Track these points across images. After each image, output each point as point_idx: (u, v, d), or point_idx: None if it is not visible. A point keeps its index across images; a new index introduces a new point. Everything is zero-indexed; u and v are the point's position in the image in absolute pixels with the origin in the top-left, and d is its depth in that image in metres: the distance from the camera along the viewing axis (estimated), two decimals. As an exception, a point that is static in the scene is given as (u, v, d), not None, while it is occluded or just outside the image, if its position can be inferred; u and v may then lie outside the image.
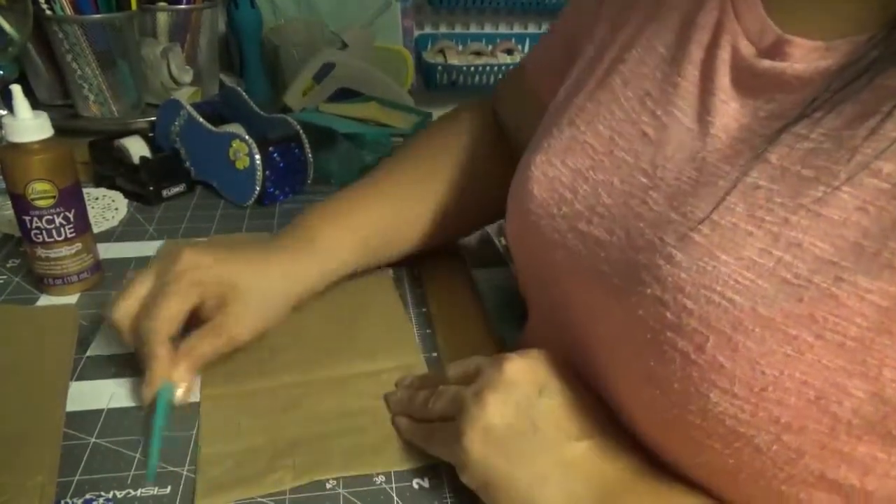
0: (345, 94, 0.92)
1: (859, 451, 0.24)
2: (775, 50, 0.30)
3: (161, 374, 0.39)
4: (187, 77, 0.91)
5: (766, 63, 0.30)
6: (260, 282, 0.44)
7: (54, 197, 0.49)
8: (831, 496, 0.26)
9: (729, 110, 0.31)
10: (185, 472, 0.36)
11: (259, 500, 0.35)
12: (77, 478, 0.36)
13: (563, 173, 0.37)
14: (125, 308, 0.41)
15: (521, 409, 0.33)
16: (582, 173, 0.36)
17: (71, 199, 0.50)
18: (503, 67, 1.17)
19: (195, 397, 0.42)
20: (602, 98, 0.37)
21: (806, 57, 0.29)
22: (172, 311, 0.40)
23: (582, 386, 0.36)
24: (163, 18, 0.90)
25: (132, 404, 0.41)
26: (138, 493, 0.35)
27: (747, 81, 0.31)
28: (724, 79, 0.32)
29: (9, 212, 0.56)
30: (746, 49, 0.31)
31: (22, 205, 0.48)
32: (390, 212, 0.53)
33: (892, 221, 0.24)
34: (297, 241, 0.48)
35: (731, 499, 0.30)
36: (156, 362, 0.39)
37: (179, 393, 0.40)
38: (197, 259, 0.42)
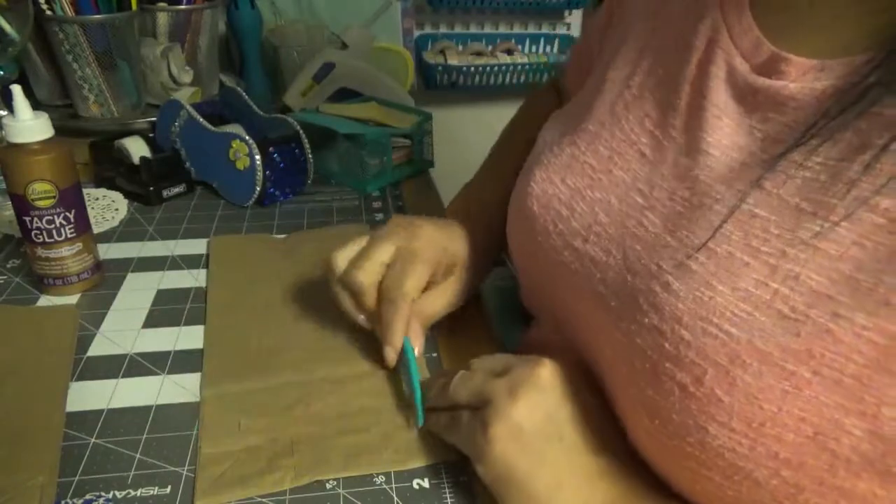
0: (345, 94, 0.92)
1: (859, 487, 0.24)
2: (770, 67, 0.30)
3: (403, 332, 0.43)
4: (187, 77, 0.91)
5: (762, 80, 0.30)
6: (470, 256, 0.49)
7: (54, 197, 0.49)
8: None
9: (723, 127, 0.31)
10: (185, 472, 0.37)
11: (259, 500, 0.35)
12: (77, 478, 0.36)
13: (562, 191, 0.37)
14: (371, 272, 0.44)
15: (550, 415, 0.33)
16: (580, 192, 0.36)
17: (71, 200, 0.50)
18: (503, 67, 1.17)
19: (195, 397, 0.42)
20: (605, 121, 0.37)
21: (801, 77, 0.29)
22: (421, 281, 0.44)
23: (603, 400, 0.36)
24: (163, 19, 0.90)
25: (132, 404, 0.41)
26: (138, 493, 0.35)
27: (742, 98, 0.31)
28: (718, 95, 0.32)
29: (9, 212, 0.56)
30: (741, 66, 0.31)
31: (22, 205, 0.48)
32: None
33: (888, 255, 0.24)
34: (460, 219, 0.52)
35: None
36: (401, 322, 0.43)
37: (417, 349, 0.44)
38: (434, 236, 0.47)
